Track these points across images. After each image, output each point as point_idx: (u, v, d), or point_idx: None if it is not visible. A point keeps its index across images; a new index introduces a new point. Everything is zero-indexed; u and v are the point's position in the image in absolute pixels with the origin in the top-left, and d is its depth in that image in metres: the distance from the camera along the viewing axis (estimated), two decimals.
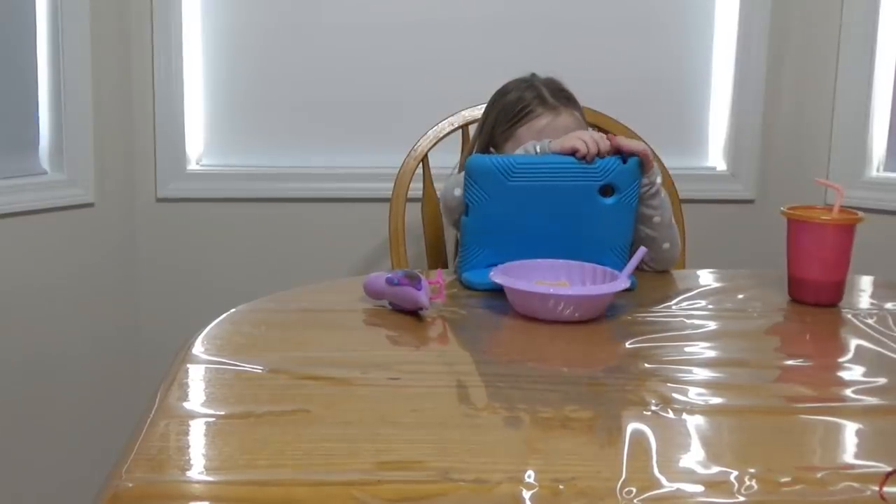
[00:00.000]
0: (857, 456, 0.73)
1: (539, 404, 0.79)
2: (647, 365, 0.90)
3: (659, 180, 1.31)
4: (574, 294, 1.06)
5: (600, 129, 1.62)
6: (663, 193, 1.33)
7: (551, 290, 1.04)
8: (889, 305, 1.16)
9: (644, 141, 1.33)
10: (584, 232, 1.20)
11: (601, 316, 1.06)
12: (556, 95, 1.42)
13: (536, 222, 1.19)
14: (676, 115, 1.99)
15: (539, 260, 1.16)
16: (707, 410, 0.79)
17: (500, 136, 1.42)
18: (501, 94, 1.46)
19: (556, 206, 1.19)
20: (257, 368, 0.86)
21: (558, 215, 1.19)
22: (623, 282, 1.08)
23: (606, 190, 1.20)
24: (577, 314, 1.03)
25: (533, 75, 1.46)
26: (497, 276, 1.08)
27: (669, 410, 0.77)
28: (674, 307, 1.13)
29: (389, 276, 1.06)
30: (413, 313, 1.05)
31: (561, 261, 1.16)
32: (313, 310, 1.11)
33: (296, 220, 1.92)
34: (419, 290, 1.03)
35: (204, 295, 1.90)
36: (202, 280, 1.92)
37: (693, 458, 0.69)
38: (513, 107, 1.42)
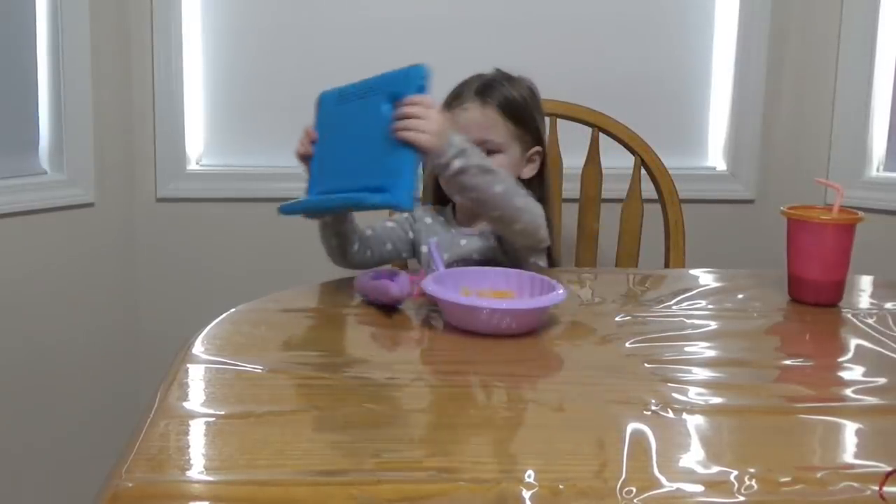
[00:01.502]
0: (857, 456, 0.73)
1: (539, 404, 0.79)
2: (647, 365, 0.90)
3: (459, 164, 1.12)
4: (512, 307, 1.00)
5: (602, 130, 1.63)
6: (483, 172, 1.15)
7: (488, 304, 0.98)
8: (889, 305, 1.16)
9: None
10: (372, 144, 1.09)
11: (601, 316, 1.06)
12: (482, 91, 1.35)
13: (345, 143, 1.15)
14: (676, 115, 1.99)
15: (467, 269, 1.13)
16: (707, 410, 0.79)
17: None
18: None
19: (358, 124, 1.12)
20: (257, 368, 0.86)
21: (357, 132, 1.12)
22: (560, 295, 1.01)
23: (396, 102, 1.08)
24: (513, 325, 0.98)
25: (495, 71, 1.42)
26: (432, 288, 1.01)
27: (669, 410, 0.77)
28: (674, 307, 1.13)
29: (374, 272, 1.07)
30: (393, 308, 1.05)
31: (487, 269, 1.11)
32: (313, 310, 1.11)
33: (296, 219, 1.92)
34: (393, 281, 1.04)
35: (204, 295, 1.90)
36: (202, 280, 1.92)
37: (693, 458, 0.69)
38: (444, 101, 1.38)
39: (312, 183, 1.21)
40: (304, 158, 1.23)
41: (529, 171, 1.38)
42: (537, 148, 1.38)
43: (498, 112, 1.34)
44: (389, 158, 1.05)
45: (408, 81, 1.06)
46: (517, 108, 1.36)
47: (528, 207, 1.22)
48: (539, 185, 1.40)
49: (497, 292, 1.07)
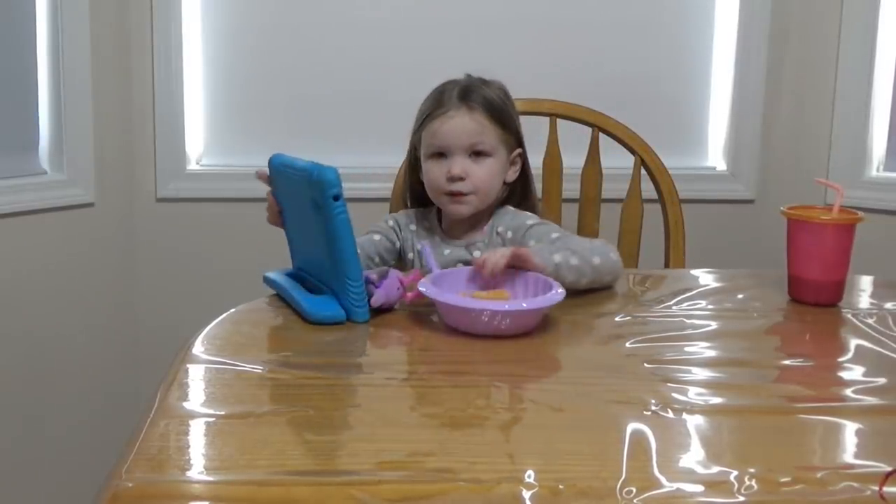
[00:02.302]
0: (857, 456, 0.73)
1: (539, 404, 0.79)
2: (647, 365, 0.90)
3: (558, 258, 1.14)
4: (511, 309, 0.99)
5: (602, 130, 1.62)
6: (566, 272, 1.15)
7: (487, 305, 0.98)
8: (889, 305, 1.16)
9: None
10: (317, 245, 1.07)
11: (600, 316, 1.06)
12: (463, 95, 1.33)
13: (300, 228, 1.14)
14: (676, 115, 1.99)
15: (464, 269, 1.12)
16: (707, 410, 0.79)
17: (417, 138, 1.38)
18: (427, 97, 1.40)
19: (302, 215, 1.08)
20: (257, 368, 0.86)
21: (305, 225, 1.10)
22: (558, 295, 1.02)
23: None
24: (512, 326, 0.98)
25: (466, 76, 1.39)
26: (429, 289, 1.02)
27: (669, 410, 0.77)
28: (674, 307, 1.13)
29: (367, 274, 1.06)
30: (386, 310, 1.05)
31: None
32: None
33: None
34: (378, 287, 1.03)
35: (204, 295, 1.90)
36: (202, 280, 1.92)
37: (693, 458, 0.69)
38: (422, 110, 1.37)
39: (291, 250, 1.20)
40: (277, 224, 1.20)
41: (513, 174, 1.38)
42: (519, 150, 1.38)
43: (485, 116, 1.32)
44: (338, 273, 1.02)
45: (321, 190, 1.00)
46: (500, 110, 1.34)
47: (592, 267, 1.18)
48: (523, 187, 1.40)
49: (494, 292, 1.07)
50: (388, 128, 1.88)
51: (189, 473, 0.65)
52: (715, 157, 2.02)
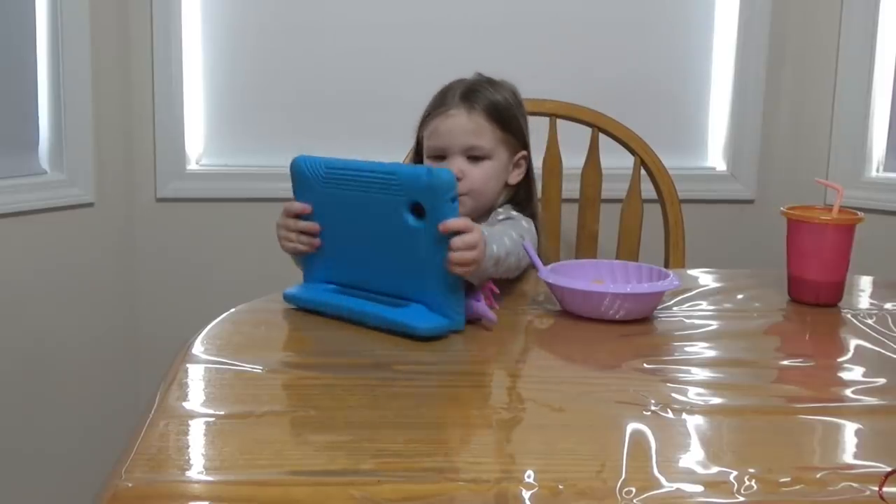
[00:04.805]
0: (856, 456, 0.73)
1: (539, 404, 0.80)
2: (646, 365, 0.90)
3: (488, 262, 1.07)
4: (631, 292, 1.05)
5: (602, 130, 1.63)
6: (502, 255, 1.12)
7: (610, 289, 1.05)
8: (889, 305, 1.16)
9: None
10: (399, 253, 1.02)
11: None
12: (467, 96, 1.33)
13: (354, 237, 1.06)
14: (676, 115, 1.99)
15: (583, 260, 1.19)
16: (707, 410, 0.79)
17: (421, 134, 1.38)
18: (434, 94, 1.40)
19: (369, 221, 1.02)
20: (257, 368, 0.86)
21: (372, 232, 1.03)
22: (674, 280, 1.08)
23: (417, 209, 0.98)
24: (621, 312, 1.04)
25: (476, 75, 1.39)
26: (550, 276, 1.07)
27: (669, 410, 0.77)
28: (674, 307, 1.13)
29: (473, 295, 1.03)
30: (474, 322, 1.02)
31: (603, 261, 1.19)
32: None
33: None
34: (479, 301, 1.01)
35: (204, 295, 1.90)
36: (202, 280, 1.92)
37: (693, 458, 0.69)
38: (427, 108, 1.37)
39: (315, 266, 1.11)
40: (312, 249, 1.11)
41: (516, 177, 1.37)
42: (523, 152, 1.37)
43: (485, 117, 1.32)
44: (436, 280, 0.98)
45: (435, 193, 0.96)
46: (503, 112, 1.34)
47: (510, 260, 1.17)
48: (526, 189, 1.40)
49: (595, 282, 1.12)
50: (389, 128, 1.88)
51: (189, 473, 0.65)
52: (715, 157, 2.02)
